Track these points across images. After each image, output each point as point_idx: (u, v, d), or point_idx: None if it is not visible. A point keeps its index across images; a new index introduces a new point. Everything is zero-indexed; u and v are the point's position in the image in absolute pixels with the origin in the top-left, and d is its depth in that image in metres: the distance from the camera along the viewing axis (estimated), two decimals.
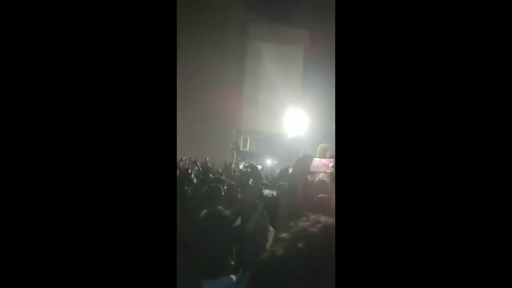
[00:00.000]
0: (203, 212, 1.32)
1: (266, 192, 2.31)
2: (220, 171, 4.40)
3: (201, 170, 4.24)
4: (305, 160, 1.25)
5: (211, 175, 3.23)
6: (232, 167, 5.35)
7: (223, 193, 2.14)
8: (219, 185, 2.22)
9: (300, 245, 0.51)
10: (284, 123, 10.65)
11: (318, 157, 1.27)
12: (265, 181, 3.41)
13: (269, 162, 10.21)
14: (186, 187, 2.94)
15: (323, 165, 1.20)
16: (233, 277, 1.06)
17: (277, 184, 2.93)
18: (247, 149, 11.26)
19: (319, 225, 0.54)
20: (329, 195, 1.65)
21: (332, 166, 1.14)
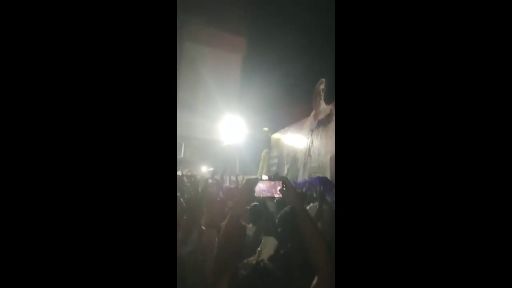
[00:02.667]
0: None
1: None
2: None
3: None
4: (249, 184, 1.05)
5: None
6: None
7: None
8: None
9: None
10: (220, 129, 10.49)
11: (265, 179, 1.08)
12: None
13: (204, 169, 9.87)
14: None
15: (270, 188, 1.04)
16: None
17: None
18: (182, 155, 10.70)
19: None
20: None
21: (279, 190, 1.01)
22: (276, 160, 8.83)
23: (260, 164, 9.14)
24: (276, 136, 9.20)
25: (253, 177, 1.16)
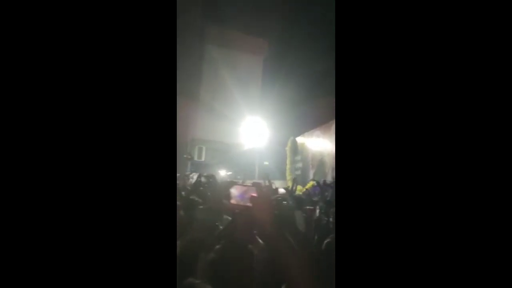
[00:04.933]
0: None
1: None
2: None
3: None
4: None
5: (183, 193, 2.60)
6: (189, 180, 4.71)
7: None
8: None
9: None
10: (241, 133, 10.31)
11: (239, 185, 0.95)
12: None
13: (223, 173, 9.69)
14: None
15: (243, 194, 0.93)
16: None
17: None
18: (202, 159, 10.56)
19: None
20: None
21: (249, 197, 0.88)
22: (300, 165, 8.54)
23: (287, 167, 8.83)
24: (300, 139, 8.92)
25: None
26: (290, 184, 7.05)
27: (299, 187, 6.55)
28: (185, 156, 9.44)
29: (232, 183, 0.94)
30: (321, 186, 5.00)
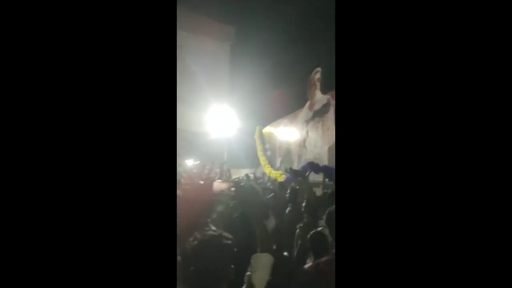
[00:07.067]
0: None
1: None
2: None
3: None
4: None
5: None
6: None
7: None
8: None
9: None
10: (208, 121, 10.03)
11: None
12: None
13: (189, 163, 9.42)
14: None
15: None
16: None
17: None
18: None
19: None
20: None
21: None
22: (268, 153, 8.55)
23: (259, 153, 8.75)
24: (268, 128, 8.90)
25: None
26: (267, 171, 7.02)
27: (275, 173, 6.56)
28: None
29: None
30: (291, 174, 5.06)
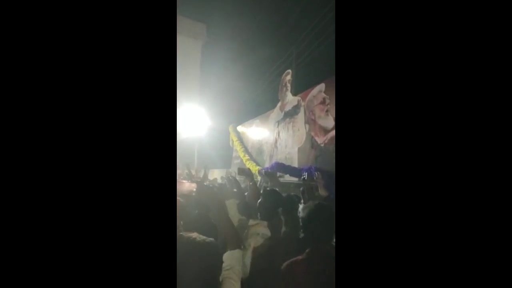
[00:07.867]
0: None
1: None
2: None
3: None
4: None
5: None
6: None
7: None
8: None
9: None
10: (178, 120, 9.81)
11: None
12: None
13: None
14: None
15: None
16: None
17: None
18: None
19: None
20: None
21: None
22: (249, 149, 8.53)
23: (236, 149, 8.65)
24: (240, 128, 8.90)
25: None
26: (250, 166, 7.01)
27: (254, 167, 6.57)
28: None
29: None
30: (262, 175, 5.11)
